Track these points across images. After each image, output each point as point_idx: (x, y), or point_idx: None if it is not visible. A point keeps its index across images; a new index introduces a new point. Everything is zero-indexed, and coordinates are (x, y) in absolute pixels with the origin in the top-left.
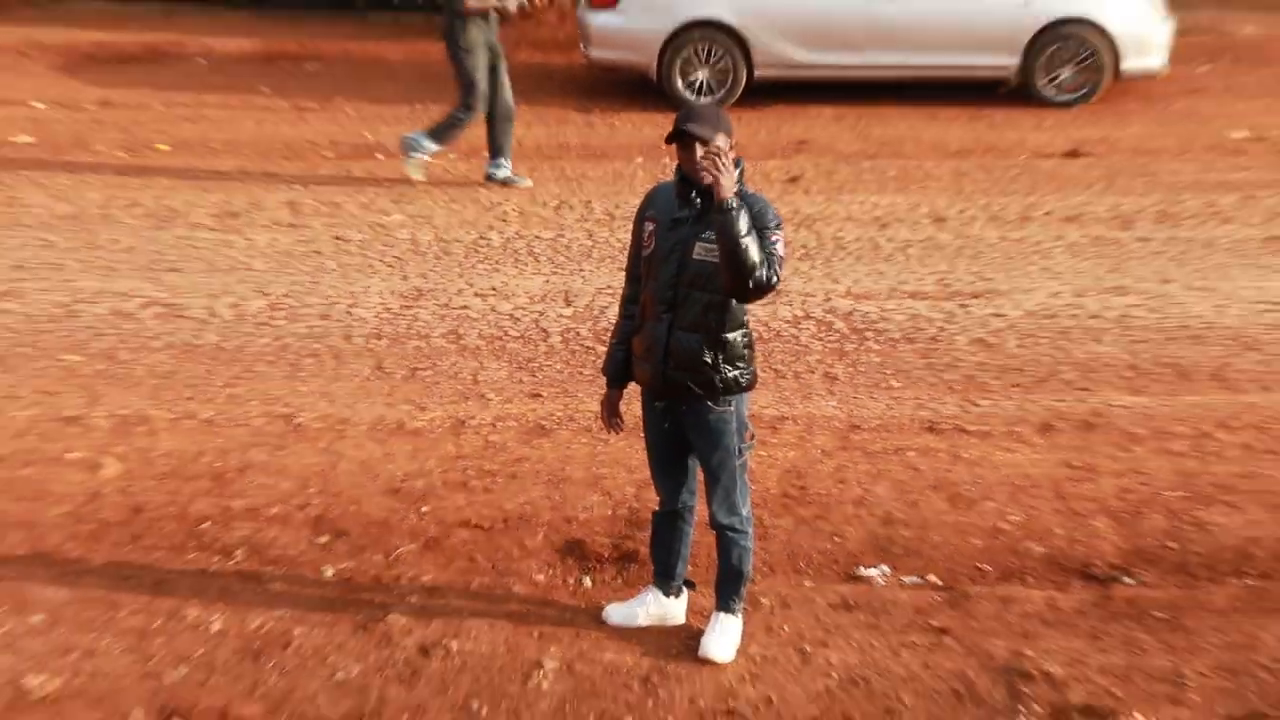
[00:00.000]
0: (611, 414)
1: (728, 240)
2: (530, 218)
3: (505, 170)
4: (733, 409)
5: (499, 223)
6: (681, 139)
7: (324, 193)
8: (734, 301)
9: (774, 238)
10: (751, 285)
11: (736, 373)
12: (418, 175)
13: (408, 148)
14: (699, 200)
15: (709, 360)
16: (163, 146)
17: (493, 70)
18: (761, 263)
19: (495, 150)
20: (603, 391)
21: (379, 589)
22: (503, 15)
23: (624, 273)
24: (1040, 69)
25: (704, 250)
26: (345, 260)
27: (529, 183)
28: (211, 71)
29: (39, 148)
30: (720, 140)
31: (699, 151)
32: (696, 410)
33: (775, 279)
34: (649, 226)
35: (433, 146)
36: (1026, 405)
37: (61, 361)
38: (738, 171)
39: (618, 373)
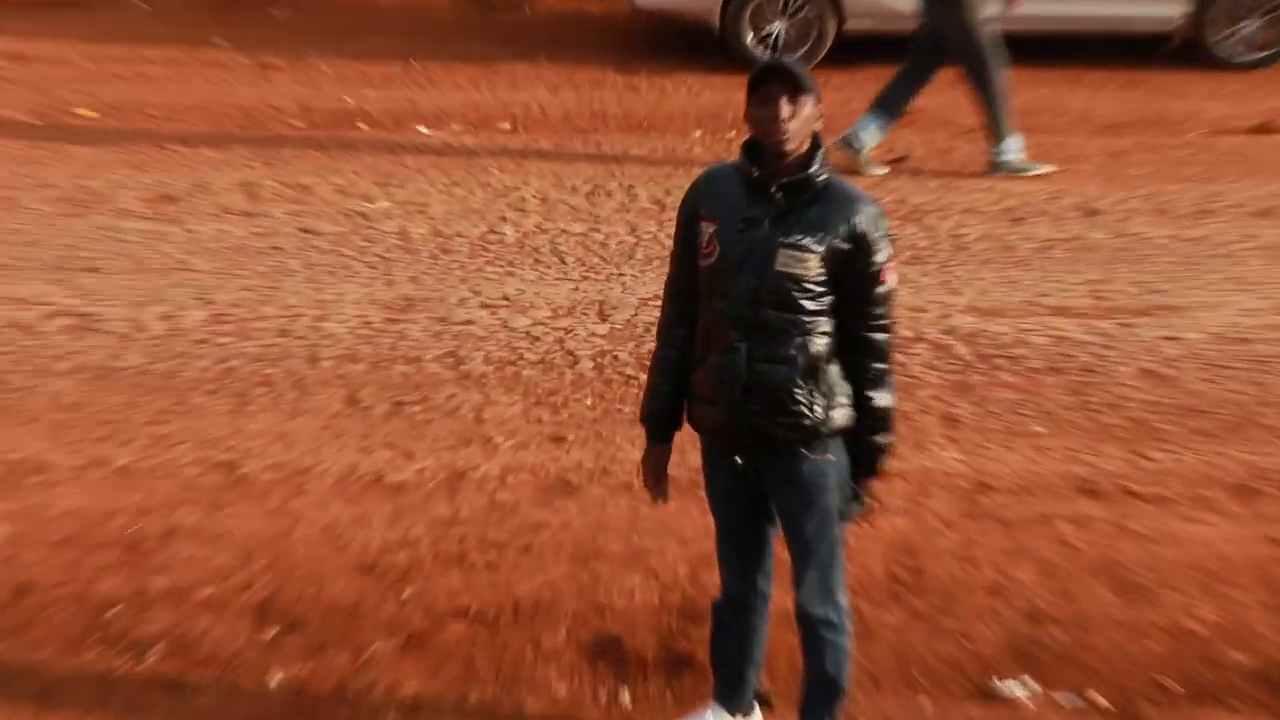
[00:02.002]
0: (657, 477)
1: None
2: (556, 206)
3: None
4: (834, 457)
5: (514, 213)
6: (766, 82)
7: (289, 173)
8: (833, 322)
9: (884, 277)
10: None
11: (840, 410)
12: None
13: (999, 167)
14: (779, 195)
15: (802, 398)
16: (86, 111)
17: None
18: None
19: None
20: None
21: (343, 702)
22: None
23: (664, 285)
24: (1217, 20)
25: (790, 259)
26: (313, 259)
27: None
28: (152, 18)
29: None
30: (809, 105)
31: (784, 111)
32: (784, 462)
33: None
34: (708, 228)
35: (1014, 142)
36: (1216, 460)
37: None
38: (819, 153)
39: (662, 420)
